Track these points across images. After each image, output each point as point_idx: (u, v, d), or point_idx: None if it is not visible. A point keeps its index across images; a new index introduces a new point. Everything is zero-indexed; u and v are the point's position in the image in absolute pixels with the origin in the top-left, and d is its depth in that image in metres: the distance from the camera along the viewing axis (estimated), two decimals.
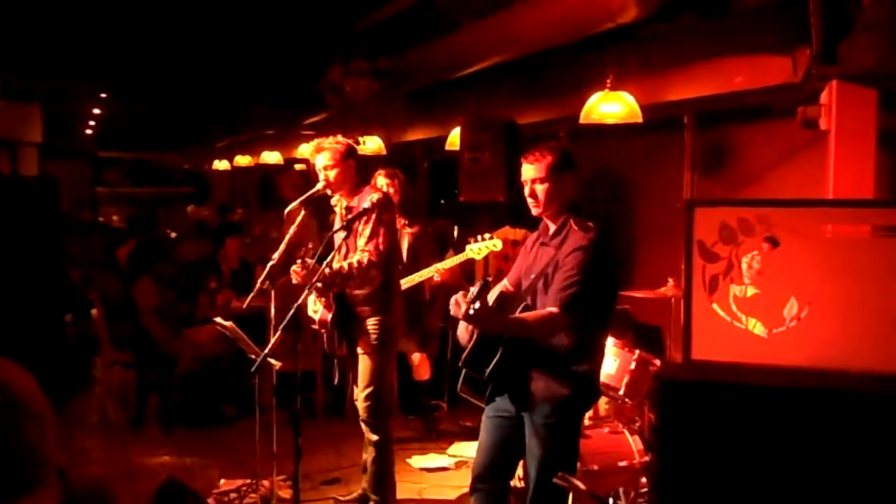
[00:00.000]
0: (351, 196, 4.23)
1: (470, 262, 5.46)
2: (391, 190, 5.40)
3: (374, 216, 4.07)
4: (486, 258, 6.21)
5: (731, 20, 4.58)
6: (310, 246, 4.26)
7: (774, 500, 2.06)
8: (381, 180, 5.39)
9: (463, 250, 5.21)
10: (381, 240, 4.08)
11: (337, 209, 4.36)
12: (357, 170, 4.26)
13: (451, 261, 5.29)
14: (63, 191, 7.95)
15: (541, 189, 3.18)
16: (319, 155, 4.19)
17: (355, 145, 4.34)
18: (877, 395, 2.05)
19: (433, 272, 5.30)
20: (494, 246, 5.08)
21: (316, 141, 4.29)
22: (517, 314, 3.13)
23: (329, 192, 4.24)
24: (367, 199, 4.10)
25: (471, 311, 2.87)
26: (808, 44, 3.62)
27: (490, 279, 3.14)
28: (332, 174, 4.16)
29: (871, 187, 3.56)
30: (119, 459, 5.43)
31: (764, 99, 4.67)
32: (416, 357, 5.72)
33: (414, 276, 5.32)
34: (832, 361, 2.18)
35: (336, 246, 4.09)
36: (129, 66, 9.82)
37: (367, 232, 4.08)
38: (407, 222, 5.57)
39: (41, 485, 1.61)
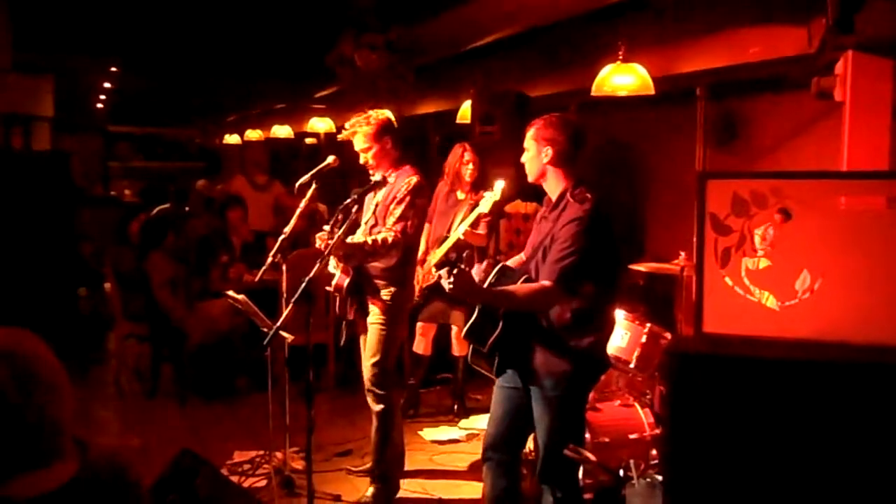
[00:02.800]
0: (391, 171, 4.21)
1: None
2: (471, 166, 5.45)
3: (407, 199, 4.09)
4: (497, 233, 6.18)
5: None
6: (321, 209, 4.23)
7: (784, 472, 2.07)
8: (462, 154, 5.49)
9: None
10: (409, 223, 4.11)
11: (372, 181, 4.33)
12: (395, 144, 4.22)
13: (466, 222, 5.25)
14: (75, 165, 7.97)
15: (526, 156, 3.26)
16: (354, 139, 4.19)
17: (391, 119, 4.28)
18: (887, 365, 2.05)
19: (457, 237, 5.25)
20: (495, 196, 5.00)
21: (348, 124, 4.23)
22: (513, 286, 3.14)
23: (371, 171, 4.22)
24: (404, 182, 4.11)
25: (446, 285, 2.90)
26: (823, 14, 3.57)
27: (454, 256, 3.14)
28: (370, 155, 4.16)
29: (887, 159, 3.53)
30: (134, 431, 5.50)
31: (778, 70, 4.61)
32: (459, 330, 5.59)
33: (445, 243, 5.26)
34: (845, 334, 2.18)
35: (365, 216, 4.10)
36: (140, 40, 9.80)
37: (398, 212, 4.10)
38: (472, 194, 5.54)
39: (60, 456, 1.63)
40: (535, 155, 3.23)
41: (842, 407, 2.03)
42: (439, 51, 7.24)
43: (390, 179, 4.18)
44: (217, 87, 13.40)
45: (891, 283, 2.17)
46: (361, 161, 4.20)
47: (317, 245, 4.03)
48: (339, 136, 4.67)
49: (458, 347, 5.68)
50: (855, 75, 3.53)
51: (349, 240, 4.02)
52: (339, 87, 8.91)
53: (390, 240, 4.05)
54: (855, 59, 3.51)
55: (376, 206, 4.19)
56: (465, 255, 3.16)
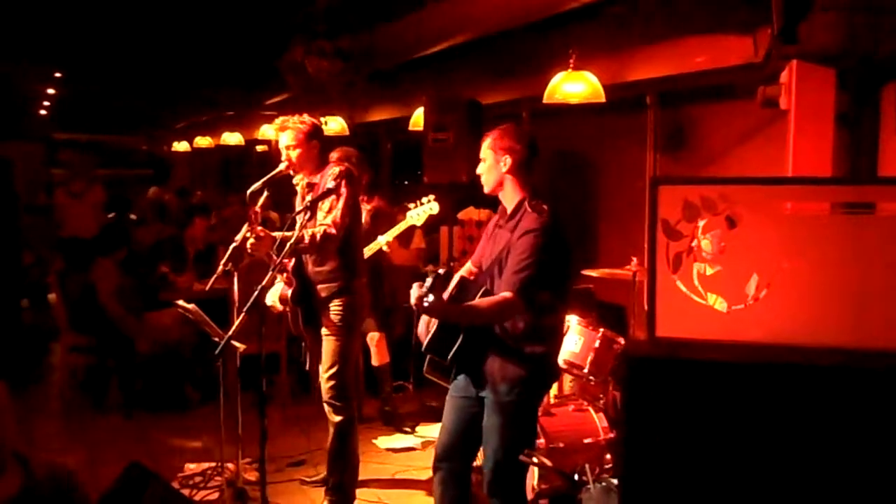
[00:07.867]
0: (313, 175, 4.19)
1: (434, 244, 5.43)
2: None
3: (335, 190, 4.02)
4: (450, 239, 6.21)
5: (693, 0, 4.61)
6: (273, 216, 4.20)
7: (737, 474, 2.10)
8: (333, 155, 5.38)
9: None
10: (340, 213, 4.03)
11: (298, 188, 4.31)
12: (321, 151, 4.21)
13: (395, 229, 5.25)
14: (16, 173, 7.75)
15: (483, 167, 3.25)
16: (283, 134, 4.15)
17: (321, 125, 4.29)
18: (834, 368, 2.09)
19: (380, 245, 5.28)
20: (431, 210, 5.01)
21: (280, 119, 4.23)
22: (475, 301, 3.14)
23: (291, 172, 4.19)
24: (329, 175, 4.06)
25: (424, 304, 2.89)
26: (768, 24, 3.66)
27: (441, 271, 3.14)
28: (294, 154, 4.12)
29: (829, 165, 3.62)
30: (81, 445, 5.36)
31: (725, 79, 4.72)
32: (373, 337, 5.61)
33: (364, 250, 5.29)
34: (793, 337, 2.22)
35: (299, 225, 4.05)
36: (85, 46, 9.61)
37: (327, 205, 4.04)
38: (365, 199, 5.53)
39: (1, 471, 1.58)
40: (492, 164, 3.22)
41: (789, 407, 2.07)
42: (391, 58, 7.24)
43: (315, 180, 4.14)
44: (166, 93, 13.20)
45: (834, 286, 2.21)
46: (283, 158, 4.15)
47: (248, 246, 3.98)
48: (270, 131, 4.68)
49: (378, 357, 5.67)
50: (799, 84, 3.61)
51: (281, 236, 3.97)
52: (291, 94, 8.85)
53: (321, 232, 3.98)
54: (799, 69, 3.60)
55: (305, 207, 4.07)
56: (444, 272, 3.16)
